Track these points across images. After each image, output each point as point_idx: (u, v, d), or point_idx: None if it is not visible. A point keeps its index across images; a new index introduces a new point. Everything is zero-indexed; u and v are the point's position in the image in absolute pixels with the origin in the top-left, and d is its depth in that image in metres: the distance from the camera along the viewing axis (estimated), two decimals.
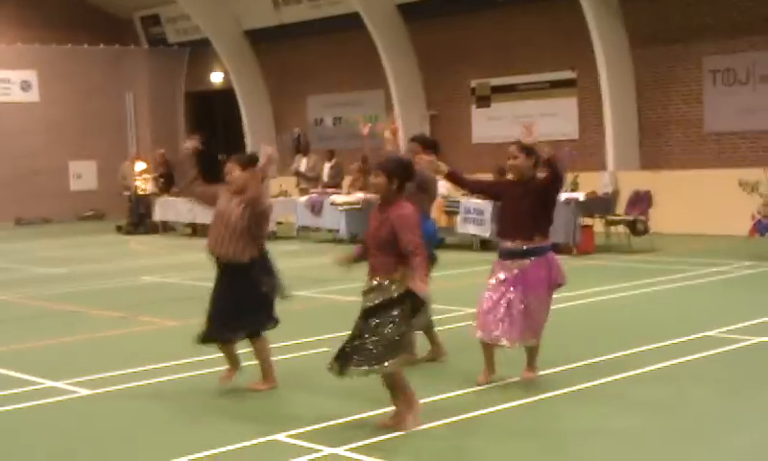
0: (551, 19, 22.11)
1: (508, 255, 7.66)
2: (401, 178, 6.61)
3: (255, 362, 7.96)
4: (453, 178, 8.05)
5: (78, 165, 29.96)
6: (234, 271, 7.67)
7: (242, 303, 7.67)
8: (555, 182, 7.66)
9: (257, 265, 7.69)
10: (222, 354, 7.99)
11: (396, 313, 6.48)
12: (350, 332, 6.65)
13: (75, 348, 10.14)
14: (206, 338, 7.85)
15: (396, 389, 6.64)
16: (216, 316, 7.75)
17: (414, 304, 6.48)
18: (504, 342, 7.61)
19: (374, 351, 6.46)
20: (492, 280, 7.71)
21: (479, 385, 7.64)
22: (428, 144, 8.99)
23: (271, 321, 7.87)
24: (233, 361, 7.93)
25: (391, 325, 6.47)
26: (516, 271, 7.58)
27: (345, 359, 6.58)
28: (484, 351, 7.76)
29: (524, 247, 7.57)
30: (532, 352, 7.83)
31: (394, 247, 6.50)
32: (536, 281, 7.58)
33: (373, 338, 6.47)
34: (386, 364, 6.46)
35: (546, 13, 22.16)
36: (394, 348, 6.45)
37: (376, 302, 6.55)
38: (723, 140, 19.98)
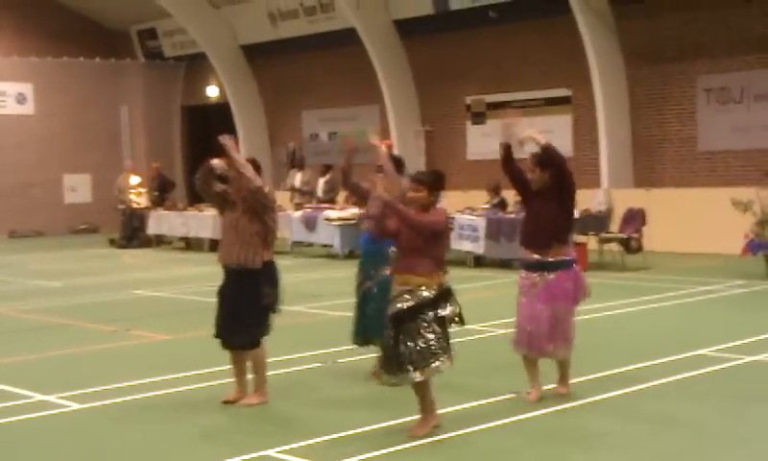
0: (547, 37, 22.18)
1: (533, 268, 7.74)
2: (438, 188, 7.08)
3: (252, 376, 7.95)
4: (508, 151, 7.94)
5: (72, 178, 29.94)
6: (242, 277, 7.70)
7: (243, 314, 7.70)
8: (560, 178, 7.67)
9: (265, 274, 7.72)
10: (233, 371, 7.94)
11: (429, 316, 6.71)
12: (383, 342, 6.86)
13: (66, 361, 10.11)
14: (217, 336, 7.86)
15: (424, 395, 6.83)
16: (224, 319, 7.77)
17: (443, 303, 6.76)
18: (559, 356, 7.74)
19: (415, 355, 6.66)
20: (523, 298, 7.77)
21: (531, 402, 7.63)
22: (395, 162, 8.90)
23: (266, 331, 7.87)
24: (241, 381, 7.89)
25: (428, 328, 6.69)
26: (541, 285, 7.66)
27: (388, 367, 6.76)
28: (527, 367, 7.81)
29: (550, 259, 7.65)
30: (564, 367, 7.88)
31: (428, 251, 6.77)
32: (563, 293, 7.66)
33: (413, 344, 6.66)
34: (434, 364, 6.68)
35: (542, 31, 22.23)
36: (433, 351, 6.69)
37: (406, 306, 6.73)
38: (716, 159, 20.04)
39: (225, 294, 7.84)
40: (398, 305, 6.79)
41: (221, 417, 7.59)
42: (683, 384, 8.31)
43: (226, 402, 7.82)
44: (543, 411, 7.43)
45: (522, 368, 7.87)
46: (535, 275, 7.73)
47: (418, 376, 6.72)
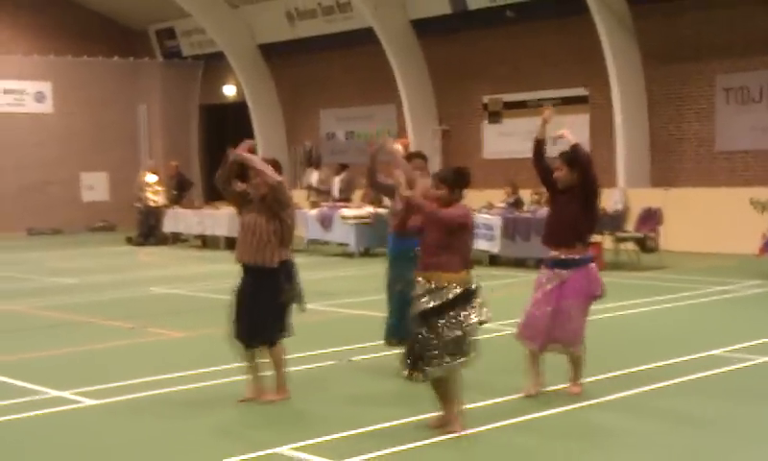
0: (564, 36, 22.14)
1: (553, 265, 7.77)
2: (461, 185, 6.99)
3: (270, 373, 7.96)
4: (540, 146, 8.02)
5: (90, 176, 30.09)
6: (260, 276, 7.72)
7: (263, 312, 7.72)
8: (586, 178, 7.71)
9: (283, 272, 7.74)
10: (247, 371, 7.95)
11: (455, 314, 6.72)
12: (409, 339, 6.85)
13: (82, 358, 10.16)
14: (236, 338, 7.87)
15: (449, 391, 6.85)
16: (243, 319, 7.78)
17: (469, 303, 6.77)
18: (551, 347, 7.76)
19: (438, 352, 6.69)
20: (538, 293, 7.80)
21: (528, 396, 7.70)
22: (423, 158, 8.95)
23: (285, 331, 7.89)
24: (257, 379, 7.89)
25: (453, 325, 6.70)
26: (556, 281, 7.70)
27: (413, 365, 6.77)
28: (529, 361, 7.82)
29: (569, 257, 7.68)
30: (576, 365, 7.88)
31: (452, 248, 6.77)
32: (575, 290, 7.69)
33: (437, 340, 6.69)
34: (451, 363, 6.72)
35: (559, 31, 22.19)
36: (459, 347, 6.71)
37: (431, 305, 6.73)
38: (734, 159, 19.95)
39: (243, 294, 7.86)
40: (424, 304, 6.79)
41: (235, 413, 7.61)
42: (697, 384, 8.28)
43: (243, 402, 7.83)
44: (558, 410, 7.43)
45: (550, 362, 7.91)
46: (552, 272, 7.76)
47: (438, 372, 6.75)
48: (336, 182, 22.39)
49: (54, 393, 8.33)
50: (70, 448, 6.90)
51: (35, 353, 10.30)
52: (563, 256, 7.71)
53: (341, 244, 20.39)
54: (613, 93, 20.62)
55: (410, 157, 8.88)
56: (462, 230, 6.88)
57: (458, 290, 6.76)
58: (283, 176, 8.11)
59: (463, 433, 6.75)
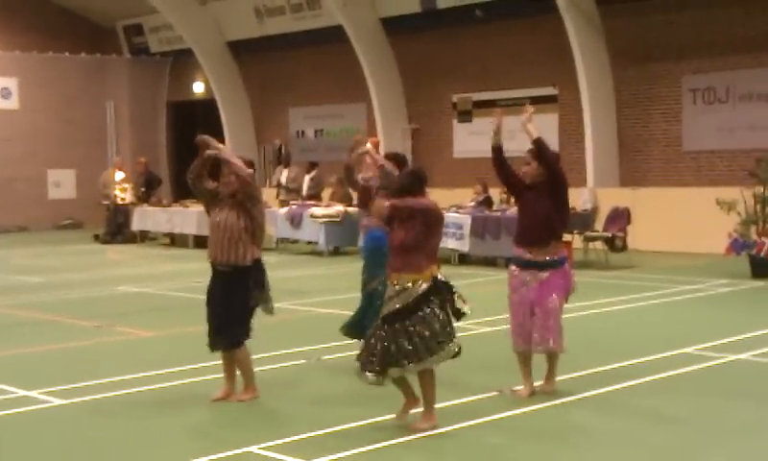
0: (533, 36, 22.20)
1: (526, 266, 7.73)
2: (414, 185, 6.96)
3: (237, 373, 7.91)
4: (499, 153, 8.04)
5: (56, 173, 29.80)
6: (231, 278, 7.66)
7: (230, 313, 7.66)
8: (553, 172, 7.71)
9: (254, 272, 7.67)
10: (223, 369, 7.89)
11: (426, 311, 6.71)
12: (373, 341, 6.79)
13: (49, 357, 10.05)
14: (214, 347, 7.81)
15: (427, 390, 6.85)
16: (218, 324, 7.71)
17: (439, 296, 6.76)
18: (540, 349, 7.72)
19: (413, 349, 6.67)
20: (515, 296, 7.77)
21: (520, 397, 7.67)
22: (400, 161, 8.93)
23: (247, 333, 7.83)
24: (231, 379, 7.84)
25: (423, 322, 6.69)
26: (534, 284, 7.66)
27: (381, 366, 6.73)
28: (522, 363, 7.80)
29: (546, 258, 7.66)
30: (553, 363, 7.88)
31: (420, 246, 6.76)
32: (556, 289, 7.68)
33: (408, 339, 6.66)
34: (429, 359, 6.70)
35: (528, 30, 22.25)
36: (432, 344, 6.69)
37: (399, 306, 6.73)
38: (701, 159, 20.11)
39: (213, 294, 7.79)
40: (391, 306, 6.78)
41: (204, 413, 7.56)
42: (667, 382, 8.33)
43: (216, 400, 7.77)
44: (529, 408, 7.43)
45: (507, 365, 7.89)
46: (526, 273, 7.72)
47: (412, 369, 6.75)
48: (306, 181, 22.33)
49: (21, 392, 8.23)
50: (38, 449, 6.81)
51: (1, 352, 10.17)
52: (539, 259, 7.66)
53: (310, 242, 20.33)
54: (582, 93, 20.71)
55: (386, 157, 8.87)
56: (438, 223, 6.92)
57: (425, 286, 6.75)
58: (254, 173, 8.08)
59: (429, 432, 6.72)
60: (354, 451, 6.40)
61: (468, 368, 8.46)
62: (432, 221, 6.87)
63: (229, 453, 6.42)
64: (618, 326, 11.37)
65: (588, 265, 16.79)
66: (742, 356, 9.27)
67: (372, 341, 6.83)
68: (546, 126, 22.21)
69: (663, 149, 20.66)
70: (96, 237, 24.31)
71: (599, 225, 17.56)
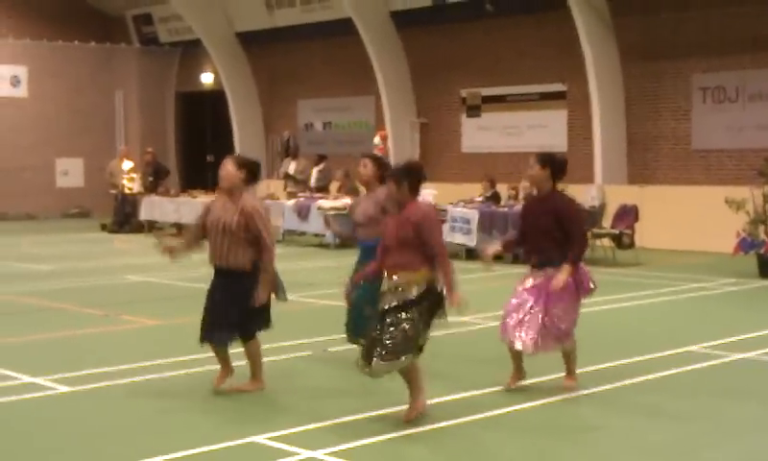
0: (543, 32, 22.17)
1: (536, 266, 7.69)
2: (411, 179, 6.87)
3: (244, 362, 7.91)
4: (509, 247, 8.23)
5: (65, 162, 29.86)
6: (234, 276, 7.60)
7: (238, 308, 7.59)
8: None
9: (255, 276, 7.59)
10: (214, 356, 7.89)
11: (413, 314, 6.68)
12: (369, 331, 6.86)
13: (56, 344, 10.08)
14: (204, 340, 7.76)
15: (411, 382, 6.86)
16: (212, 320, 7.66)
17: (432, 304, 6.74)
18: (519, 346, 7.63)
19: (391, 346, 6.65)
20: (520, 287, 7.73)
21: (508, 388, 7.67)
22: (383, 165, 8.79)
23: (264, 324, 7.79)
24: (226, 364, 7.85)
25: (407, 323, 6.66)
26: (541, 279, 7.60)
27: (368, 356, 6.74)
28: (512, 355, 7.78)
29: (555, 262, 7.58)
30: (569, 360, 7.85)
31: (415, 246, 6.72)
32: (564, 289, 7.53)
33: (392, 335, 6.65)
34: (402, 358, 6.68)
35: (538, 26, 22.22)
36: (409, 344, 6.67)
37: (393, 303, 6.71)
38: (710, 157, 20.07)
39: (213, 294, 7.71)
40: (386, 302, 6.76)
41: (209, 403, 7.57)
42: (672, 380, 8.33)
43: (219, 386, 7.76)
44: (531, 404, 7.43)
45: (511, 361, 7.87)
46: (539, 271, 7.67)
47: (386, 369, 6.72)
48: (314, 173, 22.34)
49: (28, 379, 8.26)
50: (45, 435, 6.83)
51: (8, 339, 10.22)
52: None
53: (317, 235, 20.34)
54: (591, 89, 20.66)
55: (368, 159, 8.65)
56: (433, 227, 6.85)
57: (419, 290, 6.72)
58: (260, 176, 7.93)
59: (432, 426, 6.67)
60: (358, 443, 6.41)
61: (472, 362, 8.47)
62: (427, 224, 6.79)
63: (232, 443, 6.43)
64: (624, 323, 11.36)
65: (596, 262, 16.74)
66: (748, 355, 9.26)
67: (370, 334, 6.82)
68: (555, 122, 22.23)
69: (672, 147, 20.61)
70: (103, 226, 24.37)
71: (607, 222, 17.54)
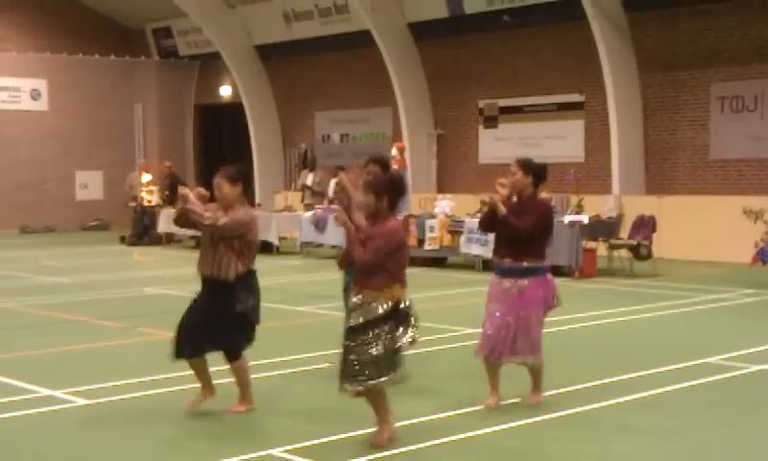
0: (560, 42, 22.18)
1: (506, 274, 7.65)
2: (390, 194, 6.67)
3: (230, 380, 7.80)
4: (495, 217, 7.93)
5: (84, 175, 30.06)
6: (216, 287, 7.57)
7: (215, 321, 7.52)
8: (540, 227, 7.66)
9: (241, 282, 7.56)
10: (195, 376, 7.78)
11: (380, 331, 6.52)
12: (341, 352, 6.69)
13: (74, 357, 10.14)
14: (177, 354, 7.68)
15: (376, 406, 6.69)
16: (186, 330, 7.62)
17: (399, 321, 6.56)
18: (504, 360, 7.60)
19: (359, 367, 6.51)
20: (492, 304, 7.70)
21: (488, 408, 7.60)
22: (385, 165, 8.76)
23: (245, 343, 7.67)
24: (206, 383, 7.74)
25: (376, 343, 6.51)
26: (514, 291, 7.58)
27: (341, 377, 6.63)
28: (488, 373, 7.72)
29: (524, 264, 7.57)
30: (536, 375, 7.79)
31: (382, 265, 6.54)
32: (534, 300, 7.58)
33: (359, 357, 6.51)
34: (371, 381, 6.51)
35: (555, 36, 22.23)
36: (380, 366, 6.50)
37: (360, 320, 6.58)
38: (729, 167, 20.00)
39: (196, 303, 7.70)
40: (352, 319, 6.65)
41: (223, 416, 7.57)
42: (689, 392, 8.29)
43: (194, 406, 7.61)
44: (514, 424, 7.34)
45: (507, 375, 7.80)
46: (507, 281, 7.62)
47: (357, 388, 6.58)
48: (332, 185, 22.36)
49: (46, 392, 8.31)
50: (62, 448, 6.88)
51: (27, 352, 10.28)
52: (524, 264, 7.55)
53: (335, 246, 20.37)
54: (609, 100, 20.64)
55: (371, 160, 8.63)
56: (397, 250, 6.63)
57: (385, 308, 6.55)
58: (252, 186, 7.91)
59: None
60: (373, 457, 6.41)
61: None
62: (393, 245, 6.61)
63: (252, 455, 6.45)
64: (642, 334, 11.32)
65: (613, 273, 16.73)
66: (765, 367, 9.21)
67: (342, 353, 6.66)
68: (572, 132, 22.22)
69: (690, 157, 20.55)
70: (122, 239, 24.50)
71: (624, 232, 17.50)
